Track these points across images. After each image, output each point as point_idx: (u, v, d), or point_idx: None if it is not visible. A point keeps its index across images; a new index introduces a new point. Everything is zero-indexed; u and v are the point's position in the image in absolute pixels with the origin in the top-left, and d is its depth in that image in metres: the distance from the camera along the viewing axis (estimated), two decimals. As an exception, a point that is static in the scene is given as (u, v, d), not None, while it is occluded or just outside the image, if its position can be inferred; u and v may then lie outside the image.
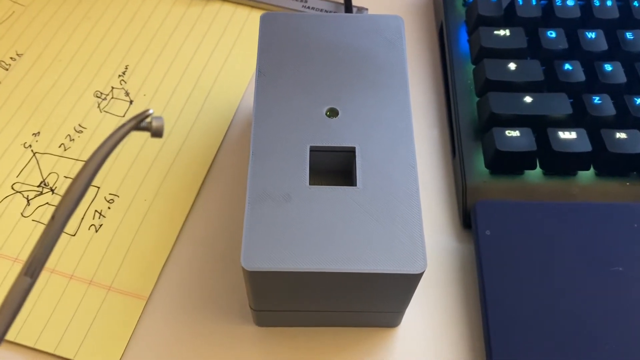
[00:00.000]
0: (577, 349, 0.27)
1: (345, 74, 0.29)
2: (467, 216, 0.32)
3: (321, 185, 0.26)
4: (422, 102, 0.37)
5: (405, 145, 0.27)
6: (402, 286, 0.25)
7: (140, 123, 0.20)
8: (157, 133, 0.20)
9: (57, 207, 0.19)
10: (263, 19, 0.30)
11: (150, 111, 0.20)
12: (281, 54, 0.29)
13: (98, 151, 0.20)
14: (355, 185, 0.26)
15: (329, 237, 0.24)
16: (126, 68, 0.38)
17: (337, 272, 0.23)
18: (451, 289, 0.31)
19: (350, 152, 0.27)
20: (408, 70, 0.29)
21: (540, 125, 0.32)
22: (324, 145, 0.27)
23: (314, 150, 0.27)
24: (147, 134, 0.35)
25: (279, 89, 0.28)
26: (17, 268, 0.30)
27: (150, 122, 0.20)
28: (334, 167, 0.27)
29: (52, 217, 0.19)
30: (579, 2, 0.36)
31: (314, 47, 0.29)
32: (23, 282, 0.19)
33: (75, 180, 0.19)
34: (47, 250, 0.19)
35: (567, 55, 0.35)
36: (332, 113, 0.28)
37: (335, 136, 0.27)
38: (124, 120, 0.36)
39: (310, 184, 0.26)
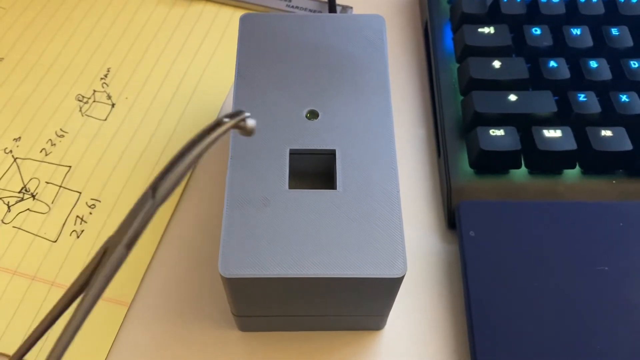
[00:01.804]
0: (563, 351, 0.27)
1: (325, 75, 0.28)
2: (452, 217, 0.31)
3: (301, 188, 0.25)
4: (408, 102, 0.37)
5: (386, 147, 0.26)
6: (383, 290, 0.25)
7: (239, 123, 0.20)
8: (250, 132, 0.21)
9: (158, 183, 0.19)
10: (242, 20, 0.30)
11: (247, 114, 0.20)
12: (261, 55, 0.29)
13: (194, 146, 0.19)
14: (336, 189, 0.25)
15: (308, 241, 0.24)
16: (108, 71, 0.38)
17: (316, 277, 0.23)
18: (436, 291, 0.30)
19: (330, 155, 0.26)
20: (389, 70, 0.29)
21: (525, 124, 0.32)
22: (304, 148, 0.26)
23: (293, 153, 0.26)
24: (128, 137, 0.35)
25: (258, 91, 0.28)
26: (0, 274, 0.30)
27: (246, 123, 0.20)
28: (314, 170, 0.27)
29: (153, 194, 0.19)
30: (563, -2, 0.36)
31: (294, 48, 0.29)
32: (121, 253, 0.19)
33: (174, 162, 0.19)
34: (144, 224, 0.19)
35: (552, 52, 0.34)
36: (312, 115, 0.27)
37: (315, 138, 0.27)
38: (105, 123, 0.35)
39: (289, 188, 0.25)
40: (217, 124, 0.20)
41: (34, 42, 0.39)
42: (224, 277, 0.23)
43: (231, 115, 0.20)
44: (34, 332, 0.20)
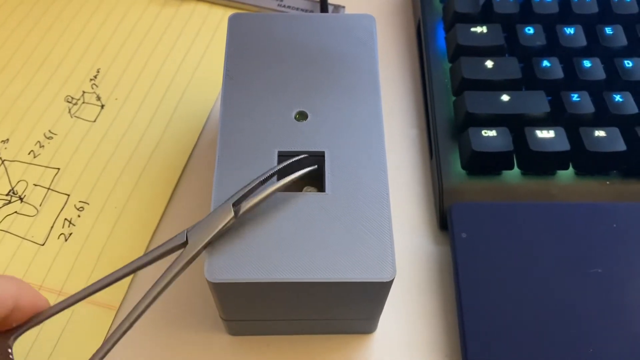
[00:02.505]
0: (556, 353, 0.26)
1: (315, 76, 0.28)
2: (444, 218, 0.31)
3: (289, 191, 0.25)
4: (400, 102, 0.36)
5: (376, 149, 0.26)
6: (372, 294, 0.24)
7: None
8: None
9: (240, 201, 0.23)
10: (231, 20, 0.30)
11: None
12: (249, 55, 0.29)
13: (273, 183, 0.24)
14: (324, 191, 0.25)
15: (295, 245, 0.23)
16: (98, 72, 0.37)
17: (303, 281, 0.23)
18: (428, 293, 0.30)
19: (319, 157, 0.26)
20: (381, 70, 0.28)
21: (517, 125, 0.32)
22: (293, 150, 0.26)
23: (282, 155, 0.26)
24: (118, 138, 0.35)
25: (247, 92, 0.27)
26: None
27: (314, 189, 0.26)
28: (303, 173, 0.27)
29: (235, 210, 0.23)
30: (557, -3, 0.36)
31: (283, 49, 0.29)
32: (198, 250, 0.23)
33: (254, 188, 0.24)
34: (222, 232, 0.23)
35: (545, 52, 0.34)
36: (302, 116, 0.27)
37: (304, 140, 0.26)
38: (94, 125, 0.35)
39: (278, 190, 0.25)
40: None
41: (22, 42, 0.38)
42: (210, 282, 0.23)
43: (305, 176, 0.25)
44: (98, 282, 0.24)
